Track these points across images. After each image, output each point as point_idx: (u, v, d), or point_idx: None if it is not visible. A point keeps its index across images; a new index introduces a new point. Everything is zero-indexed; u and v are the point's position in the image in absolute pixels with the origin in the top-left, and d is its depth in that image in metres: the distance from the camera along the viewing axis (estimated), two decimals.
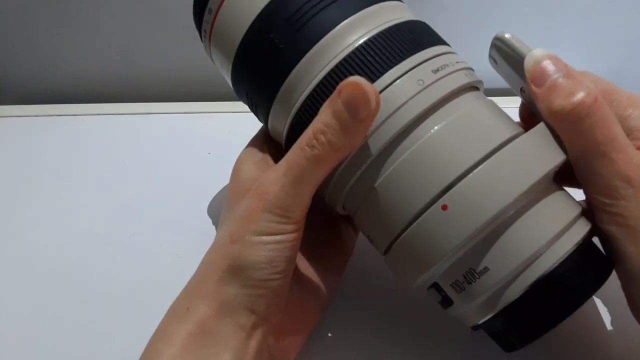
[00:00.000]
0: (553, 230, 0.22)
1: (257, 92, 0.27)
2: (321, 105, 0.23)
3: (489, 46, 0.25)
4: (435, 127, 0.22)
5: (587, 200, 0.24)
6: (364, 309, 0.31)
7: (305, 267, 0.28)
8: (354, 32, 0.24)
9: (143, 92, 0.50)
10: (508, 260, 0.21)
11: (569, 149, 0.22)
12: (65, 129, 0.44)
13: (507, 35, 0.24)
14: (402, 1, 0.27)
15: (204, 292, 0.24)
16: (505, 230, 0.22)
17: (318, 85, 0.24)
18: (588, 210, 0.24)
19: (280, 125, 0.26)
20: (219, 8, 0.26)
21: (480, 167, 0.21)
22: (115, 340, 0.30)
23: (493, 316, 0.23)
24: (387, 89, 0.23)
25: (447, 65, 0.24)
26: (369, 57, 0.23)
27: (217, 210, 0.36)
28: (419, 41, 0.24)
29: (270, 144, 0.29)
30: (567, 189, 0.24)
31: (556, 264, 0.22)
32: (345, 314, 0.30)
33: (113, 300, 0.32)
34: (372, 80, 0.23)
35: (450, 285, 0.23)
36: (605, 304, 0.30)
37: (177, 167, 0.40)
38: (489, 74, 0.26)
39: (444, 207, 0.21)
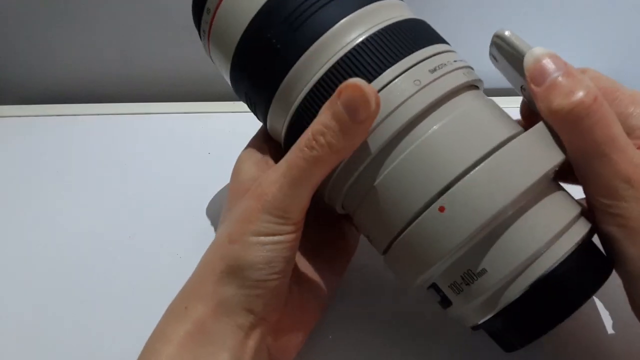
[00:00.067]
0: (552, 231, 0.22)
1: (255, 92, 0.26)
2: (320, 104, 0.23)
3: (489, 45, 0.25)
4: (434, 127, 0.22)
5: (587, 201, 0.23)
6: (364, 308, 0.30)
7: (306, 266, 0.28)
8: (352, 31, 0.24)
9: (143, 92, 0.50)
10: (506, 262, 0.21)
11: (569, 149, 0.22)
12: (65, 129, 0.44)
13: (506, 33, 0.24)
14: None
15: (202, 292, 0.24)
16: (503, 232, 0.21)
17: (316, 84, 0.24)
18: (588, 210, 0.24)
19: (279, 125, 0.26)
20: (217, 8, 0.26)
21: (478, 167, 0.21)
22: (115, 340, 0.30)
23: (493, 316, 0.23)
24: (384, 89, 0.23)
25: (445, 64, 0.23)
26: (366, 57, 0.23)
27: (217, 210, 0.36)
28: (418, 40, 0.24)
29: (270, 143, 0.29)
30: (568, 186, 0.24)
31: (556, 264, 0.22)
32: (345, 314, 0.30)
33: (113, 300, 0.32)
34: (370, 80, 0.23)
35: (448, 286, 0.23)
36: (604, 304, 0.30)
37: (176, 167, 0.40)
38: (489, 73, 0.26)
39: (442, 209, 0.21)
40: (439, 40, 0.25)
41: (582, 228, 0.23)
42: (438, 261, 0.22)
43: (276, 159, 0.26)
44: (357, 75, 0.23)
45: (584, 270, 0.23)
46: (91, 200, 0.38)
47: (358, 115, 0.21)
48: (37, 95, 0.50)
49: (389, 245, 0.24)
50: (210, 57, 0.29)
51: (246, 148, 0.30)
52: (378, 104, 0.22)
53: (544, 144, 0.22)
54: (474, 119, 0.23)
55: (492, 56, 0.25)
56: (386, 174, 0.23)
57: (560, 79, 0.22)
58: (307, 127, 0.23)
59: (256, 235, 0.23)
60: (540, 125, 0.22)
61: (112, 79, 0.50)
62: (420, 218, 0.22)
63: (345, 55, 0.23)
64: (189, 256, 0.26)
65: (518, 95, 0.27)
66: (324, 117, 0.22)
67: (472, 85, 0.25)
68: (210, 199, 0.37)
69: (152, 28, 0.47)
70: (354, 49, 0.23)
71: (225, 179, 0.29)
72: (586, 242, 0.23)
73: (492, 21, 0.46)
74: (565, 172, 0.23)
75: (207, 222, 0.36)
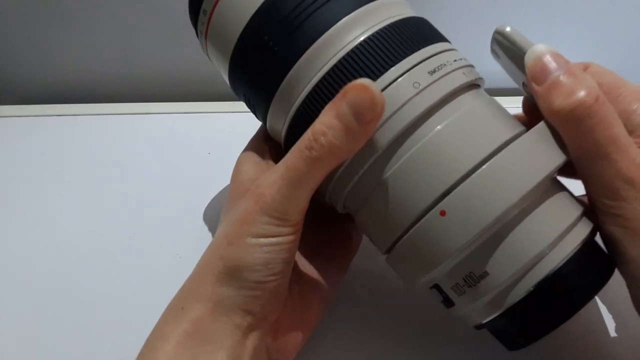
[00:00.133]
0: (555, 232, 0.21)
1: (254, 93, 0.26)
2: (321, 104, 0.23)
3: (489, 45, 0.25)
4: (437, 128, 0.22)
5: (589, 200, 0.23)
6: (365, 308, 0.30)
7: (307, 265, 0.28)
8: (353, 30, 0.23)
9: (143, 92, 0.50)
10: (509, 265, 0.21)
11: (570, 149, 0.22)
12: (65, 129, 0.44)
13: (507, 29, 0.24)
14: None
15: (200, 292, 0.24)
16: (507, 234, 0.21)
17: (318, 84, 0.23)
18: (590, 210, 0.23)
19: (279, 125, 0.26)
20: (213, 9, 0.26)
21: (479, 170, 0.21)
22: (115, 340, 0.30)
23: (497, 316, 0.23)
24: (383, 91, 0.22)
25: (445, 65, 0.23)
26: (367, 57, 0.23)
27: (217, 210, 0.36)
28: (418, 39, 0.24)
29: (270, 143, 0.29)
30: (570, 181, 0.24)
31: (560, 265, 0.22)
32: (345, 314, 0.30)
33: (113, 300, 0.32)
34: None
35: (451, 287, 0.23)
36: (606, 303, 0.30)
37: (176, 167, 0.40)
38: (489, 73, 0.26)
39: (442, 213, 0.21)
40: (440, 38, 0.25)
41: (584, 228, 0.23)
42: (441, 263, 0.22)
43: (276, 159, 0.26)
44: (358, 75, 0.23)
45: (587, 270, 0.23)
46: (91, 200, 0.38)
47: (364, 116, 0.21)
48: (37, 95, 0.50)
49: (391, 245, 0.23)
50: (208, 56, 0.29)
51: (246, 148, 0.29)
52: (383, 107, 0.22)
53: (545, 144, 0.22)
54: (473, 121, 0.23)
55: (494, 52, 0.25)
56: (390, 174, 0.23)
57: (561, 78, 0.22)
58: (307, 128, 0.23)
59: (254, 237, 0.23)
60: (541, 125, 0.22)
61: (112, 79, 0.50)
62: (423, 220, 0.22)
63: (347, 54, 0.23)
64: (189, 256, 0.26)
65: (518, 95, 0.27)
66: (326, 117, 0.22)
67: (473, 84, 0.24)
68: (210, 199, 0.37)
69: (152, 28, 0.47)
70: (355, 48, 0.23)
71: (225, 179, 0.29)
72: (589, 242, 0.23)
73: (492, 21, 0.45)
74: (567, 169, 0.23)
75: (207, 222, 0.36)
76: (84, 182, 0.39)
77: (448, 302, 0.24)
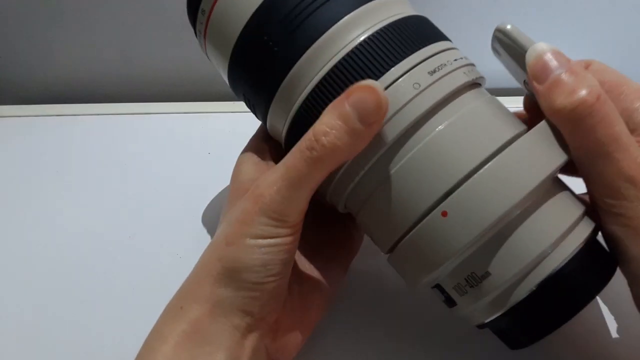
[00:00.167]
0: (557, 232, 0.21)
1: (254, 93, 0.26)
2: (322, 104, 0.23)
3: (490, 44, 0.25)
4: (438, 128, 0.22)
5: (590, 199, 0.23)
6: (365, 308, 0.30)
7: (308, 265, 0.28)
8: (354, 29, 0.23)
9: (142, 92, 0.50)
10: (511, 265, 0.21)
11: (572, 148, 0.22)
12: (65, 129, 0.44)
13: (508, 27, 0.24)
14: None
15: (198, 293, 0.24)
16: (508, 234, 0.21)
17: (319, 84, 0.23)
18: (592, 209, 0.23)
19: (280, 125, 0.26)
20: (212, 8, 0.26)
21: (481, 170, 0.21)
22: (115, 340, 0.30)
23: (499, 315, 0.23)
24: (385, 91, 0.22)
25: (445, 64, 0.23)
26: (365, 59, 0.23)
27: (216, 210, 0.36)
28: (419, 38, 0.24)
29: (270, 143, 0.29)
30: (571, 179, 0.24)
31: (562, 264, 0.22)
32: (345, 314, 0.30)
33: (113, 300, 0.32)
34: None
35: (452, 287, 0.23)
36: (608, 302, 0.30)
37: (176, 167, 0.40)
38: (489, 73, 0.26)
39: (444, 213, 0.21)
40: (441, 37, 0.25)
41: (586, 228, 0.23)
42: (443, 263, 0.22)
43: (276, 159, 0.26)
44: (359, 75, 0.23)
45: (589, 270, 0.23)
46: (91, 200, 0.38)
47: (369, 117, 0.21)
48: (37, 95, 0.50)
49: (393, 245, 0.23)
50: (207, 56, 0.29)
51: (246, 148, 0.29)
52: (387, 108, 0.21)
53: (546, 144, 0.22)
54: (475, 120, 0.23)
55: (495, 50, 0.25)
56: (391, 175, 0.23)
57: (562, 76, 0.21)
58: (308, 128, 0.23)
59: (253, 238, 0.23)
60: (542, 124, 0.22)
61: (112, 79, 0.50)
62: (425, 220, 0.22)
63: (348, 54, 0.23)
64: (189, 256, 0.26)
65: (519, 95, 0.27)
66: (328, 118, 0.22)
67: (474, 84, 0.24)
68: (210, 199, 0.37)
69: (152, 28, 0.47)
70: (356, 47, 0.23)
71: (225, 179, 0.29)
72: (591, 242, 0.23)
73: (492, 21, 0.45)
74: (569, 166, 0.23)
75: (207, 222, 0.36)
76: (83, 182, 0.39)
77: (450, 302, 0.24)
